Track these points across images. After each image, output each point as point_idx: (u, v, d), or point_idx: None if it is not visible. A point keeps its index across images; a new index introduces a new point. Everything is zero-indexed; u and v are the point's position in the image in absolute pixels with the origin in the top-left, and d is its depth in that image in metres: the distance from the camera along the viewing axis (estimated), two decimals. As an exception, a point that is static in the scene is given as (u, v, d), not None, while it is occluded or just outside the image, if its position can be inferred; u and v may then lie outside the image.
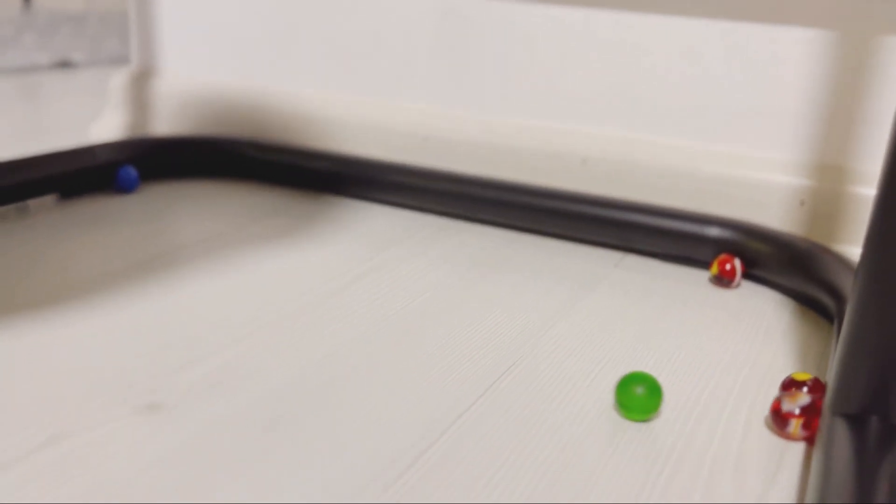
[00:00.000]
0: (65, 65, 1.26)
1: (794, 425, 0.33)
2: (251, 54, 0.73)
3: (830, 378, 0.32)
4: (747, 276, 0.51)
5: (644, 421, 0.34)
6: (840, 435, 0.28)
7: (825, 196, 0.52)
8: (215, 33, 0.74)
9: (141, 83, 0.78)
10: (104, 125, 0.80)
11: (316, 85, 0.70)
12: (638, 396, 0.34)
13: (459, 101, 0.64)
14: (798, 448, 0.33)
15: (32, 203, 0.59)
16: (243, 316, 0.43)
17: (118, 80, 0.79)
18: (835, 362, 0.31)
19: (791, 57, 0.52)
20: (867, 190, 0.51)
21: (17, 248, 0.51)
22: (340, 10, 0.67)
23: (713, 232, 0.51)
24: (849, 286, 0.42)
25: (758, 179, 0.54)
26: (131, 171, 0.62)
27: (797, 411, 0.33)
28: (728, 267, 0.49)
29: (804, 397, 0.33)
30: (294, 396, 0.35)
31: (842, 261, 0.45)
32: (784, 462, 0.32)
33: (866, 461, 0.27)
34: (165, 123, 0.77)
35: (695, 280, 0.51)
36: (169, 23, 0.76)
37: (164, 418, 0.33)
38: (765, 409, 0.36)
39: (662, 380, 0.38)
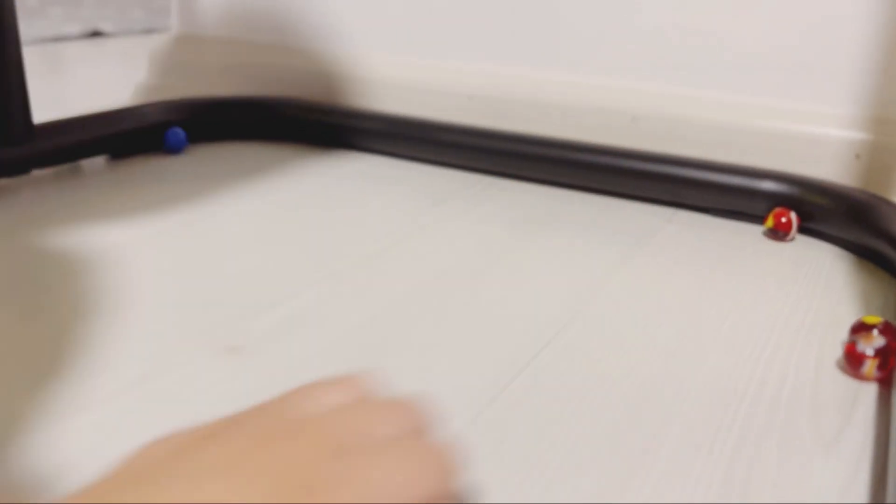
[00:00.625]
0: (95, 34, 1.26)
1: (869, 366, 0.33)
2: (292, 16, 0.73)
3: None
4: (803, 230, 0.51)
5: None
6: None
7: (880, 149, 0.51)
8: (256, -4, 0.74)
9: (181, 47, 0.78)
10: (144, 89, 0.80)
11: (360, 46, 0.70)
12: None
13: (505, 60, 0.64)
14: (871, 389, 0.33)
15: (84, 163, 0.60)
16: (312, 265, 0.44)
17: (158, 43, 0.79)
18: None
19: (846, 11, 0.52)
20: (924, 142, 0.50)
21: (89, 201, 0.51)
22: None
23: (767, 186, 0.51)
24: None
25: (812, 134, 0.53)
26: (179, 132, 0.63)
27: (871, 352, 0.33)
28: (784, 220, 0.49)
29: (878, 339, 0.33)
30: (369, 338, 0.36)
31: (902, 211, 0.45)
32: (858, 402, 0.33)
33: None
34: (205, 86, 0.77)
35: (749, 234, 0.51)
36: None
37: (244, 359, 0.34)
38: (833, 353, 0.36)
39: (726, 328, 0.39)
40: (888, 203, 0.46)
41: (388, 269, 0.44)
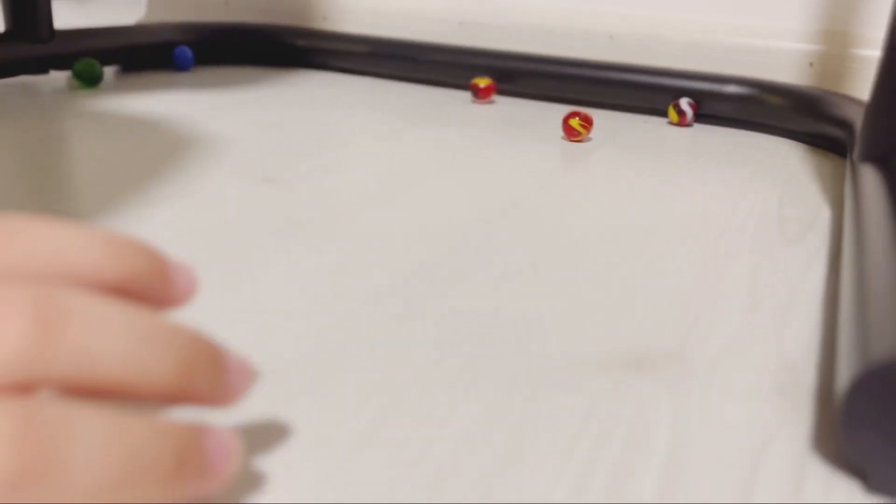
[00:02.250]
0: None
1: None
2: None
3: (858, 138, 0.38)
4: (763, 127, 0.57)
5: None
6: (868, 173, 0.34)
7: (830, 58, 0.58)
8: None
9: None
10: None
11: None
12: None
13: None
14: (826, 213, 0.39)
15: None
16: (322, 144, 0.48)
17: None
18: (862, 116, 0.37)
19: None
20: (870, 52, 0.57)
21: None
22: None
23: (732, 89, 0.57)
24: (858, 115, 0.48)
25: (771, 46, 0.60)
26: (187, 51, 0.67)
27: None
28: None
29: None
30: (378, 187, 0.41)
31: (848, 97, 0.51)
32: (818, 219, 0.38)
33: None
34: (200, 16, 0.81)
35: (719, 134, 0.57)
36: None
37: (277, 187, 0.38)
38: (792, 197, 0.42)
39: (706, 190, 0.44)
40: (834, 94, 0.53)
41: (383, 152, 0.48)
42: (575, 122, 0.51)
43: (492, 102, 0.62)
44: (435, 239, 0.33)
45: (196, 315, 0.25)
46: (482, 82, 0.60)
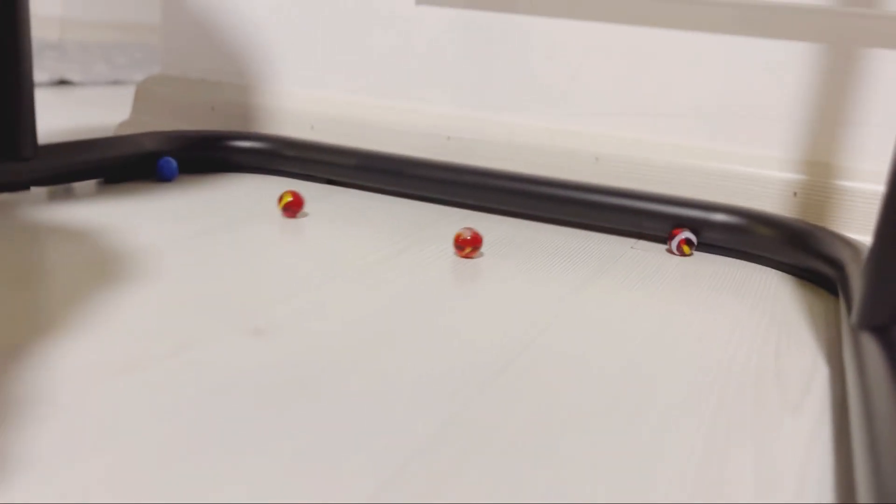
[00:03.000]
0: (63, 83, 1.28)
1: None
2: (268, 60, 0.77)
3: (854, 310, 0.38)
4: (750, 256, 0.57)
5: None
6: (870, 345, 0.34)
7: (815, 188, 0.59)
8: (225, 39, 0.78)
9: (167, 87, 0.81)
10: (129, 124, 0.83)
11: (341, 88, 0.75)
12: None
13: (480, 104, 0.70)
14: (824, 371, 0.39)
15: (77, 186, 0.62)
16: (316, 271, 0.47)
17: (145, 84, 0.83)
18: (860, 283, 0.36)
19: (785, 66, 0.59)
20: (852, 183, 0.58)
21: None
22: (360, 17, 0.73)
23: (719, 217, 0.57)
24: (847, 255, 0.48)
25: (756, 174, 0.60)
26: (171, 162, 0.66)
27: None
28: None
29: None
30: (375, 327, 0.40)
31: (836, 235, 0.51)
32: (815, 378, 0.38)
33: None
34: (187, 123, 0.81)
35: (705, 261, 0.57)
36: (196, 32, 0.80)
37: (268, 339, 0.37)
38: (788, 344, 0.42)
39: (692, 331, 0.44)
40: (823, 230, 0.53)
41: (383, 279, 0.47)
42: (461, 239, 0.52)
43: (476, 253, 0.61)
44: (437, 401, 0.32)
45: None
46: (464, 237, 0.52)
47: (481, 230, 0.59)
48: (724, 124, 0.62)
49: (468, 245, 0.52)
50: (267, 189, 0.67)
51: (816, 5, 0.56)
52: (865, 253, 0.48)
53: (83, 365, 0.33)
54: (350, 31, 0.74)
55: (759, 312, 0.47)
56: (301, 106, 0.76)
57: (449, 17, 0.70)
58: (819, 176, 0.59)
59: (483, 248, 0.55)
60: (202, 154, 0.70)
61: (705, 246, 0.58)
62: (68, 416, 0.29)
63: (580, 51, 0.65)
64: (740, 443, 0.31)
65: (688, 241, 0.57)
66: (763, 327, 0.44)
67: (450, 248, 0.54)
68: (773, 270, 0.55)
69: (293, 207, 0.58)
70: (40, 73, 1.29)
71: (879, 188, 0.57)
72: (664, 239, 0.60)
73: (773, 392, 0.36)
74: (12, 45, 0.52)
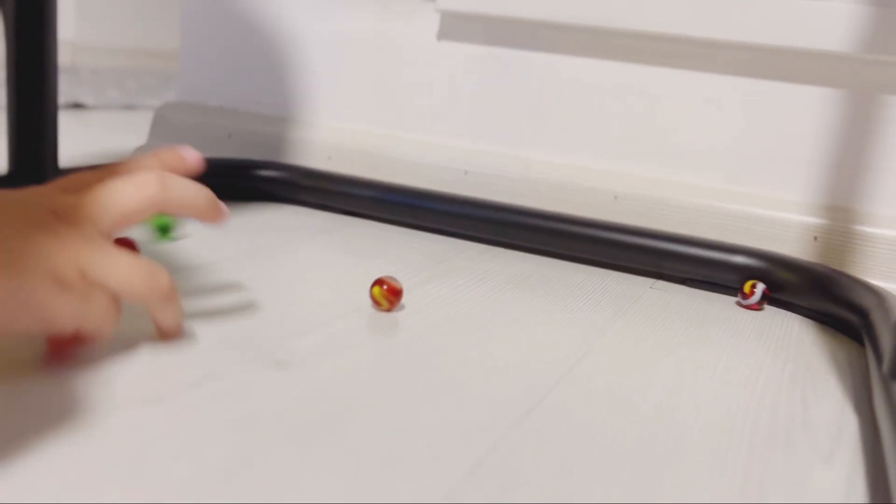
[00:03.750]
0: (77, 106, 1.29)
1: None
2: (287, 89, 0.78)
3: (886, 360, 0.37)
4: (772, 300, 0.56)
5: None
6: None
7: (835, 232, 0.58)
8: (245, 67, 0.79)
9: (185, 113, 0.82)
10: (146, 149, 0.83)
11: (360, 119, 0.75)
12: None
13: (499, 139, 0.70)
14: (853, 418, 0.38)
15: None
16: (337, 303, 0.47)
17: (164, 109, 0.83)
18: (890, 332, 0.36)
19: (806, 111, 0.60)
20: (873, 229, 0.57)
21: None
22: (382, 49, 0.73)
23: (739, 259, 0.57)
24: (871, 302, 0.48)
25: (776, 217, 0.60)
26: (189, 188, 0.66)
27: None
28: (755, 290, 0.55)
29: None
30: (397, 363, 0.39)
31: (860, 281, 0.51)
32: (844, 427, 0.37)
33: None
34: (203, 149, 0.81)
35: (724, 302, 0.56)
36: (215, 60, 0.81)
37: (290, 372, 0.36)
38: (815, 392, 0.41)
39: (716, 377, 0.43)
40: (846, 276, 0.53)
41: (396, 315, 0.47)
42: (377, 292, 0.45)
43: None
44: (464, 444, 0.31)
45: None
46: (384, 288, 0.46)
47: (499, 265, 0.59)
48: (744, 166, 0.62)
49: (393, 296, 0.46)
50: (284, 218, 0.67)
51: (837, 51, 0.56)
52: (889, 299, 0.47)
53: (106, 395, 0.32)
54: (371, 64, 0.74)
55: (782, 358, 0.46)
56: (318, 136, 0.76)
57: (470, 52, 0.70)
58: (840, 220, 0.59)
59: (502, 284, 0.54)
60: (220, 181, 0.70)
61: (725, 288, 0.58)
62: (92, 446, 0.28)
63: (600, 89, 0.66)
64: (774, 493, 0.31)
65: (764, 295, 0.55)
66: (788, 373, 0.44)
67: (467, 282, 0.54)
68: (794, 315, 0.55)
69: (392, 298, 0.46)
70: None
71: (900, 235, 0.57)
72: (683, 279, 0.59)
73: (803, 441, 0.35)
74: (39, 70, 0.53)
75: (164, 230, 0.56)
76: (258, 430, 0.31)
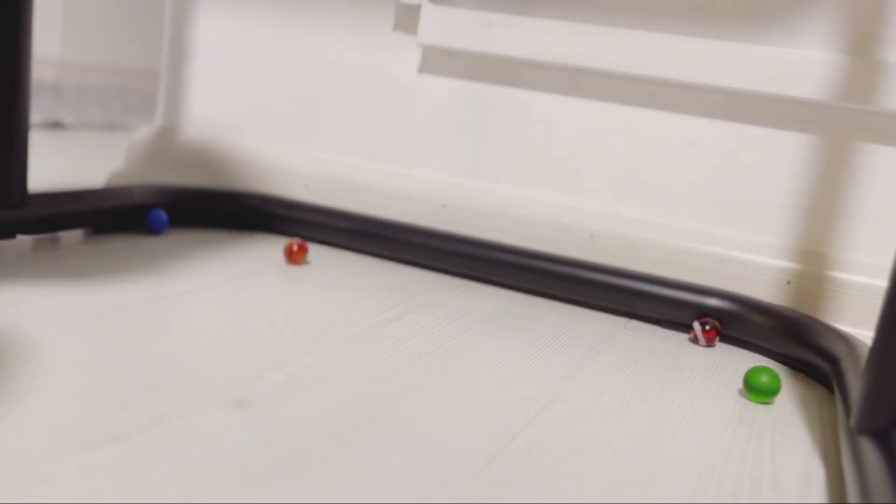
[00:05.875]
0: (56, 125, 1.28)
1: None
2: (266, 118, 0.78)
3: (853, 413, 0.37)
4: (742, 343, 0.56)
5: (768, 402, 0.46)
6: (870, 452, 0.33)
7: (808, 278, 0.59)
8: (225, 95, 0.79)
9: (163, 139, 0.81)
10: (121, 174, 0.82)
11: (338, 149, 0.75)
12: (763, 383, 0.46)
13: (477, 174, 0.70)
14: (820, 470, 0.38)
15: (63, 235, 0.61)
16: (305, 338, 0.46)
17: (141, 134, 0.82)
18: (859, 386, 0.36)
19: (780, 156, 0.60)
20: (845, 275, 0.58)
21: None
22: (362, 81, 0.73)
23: (713, 302, 0.57)
24: (841, 350, 0.48)
25: (750, 260, 0.60)
26: (162, 214, 0.65)
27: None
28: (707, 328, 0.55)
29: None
30: (363, 404, 0.38)
31: (831, 328, 0.51)
32: (811, 477, 0.37)
33: None
34: (179, 176, 0.80)
35: (698, 346, 0.56)
36: (196, 87, 0.80)
37: (251, 412, 0.36)
38: (782, 440, 0.41)
39: (685, 422, 0.43)
40: (818, 322, 0.53)
41: (376, 347, 0.46)
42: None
43: (308, 264, 0.62)
44: (428, 488, 0.31)
45: None
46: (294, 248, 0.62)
47: (473, 301, 0.59)
48: (718, 208, 0.62)
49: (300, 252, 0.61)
50: (256, 248, 0.66)
51: (811, 99, 0.57)
52: (860, 348, 0.47)
53: (55, 434, 0.31)
54: (351, 95, 0.74)
55: (752, 404, 0.46)
56: (296, 165, 0.76)
57: (450, 87, 0.70)
58: (813, 266, 0.59)
59: (475, 321, 0.54)
60: (193, 209, 0.69)
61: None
62: (36, 490, 0.27)
63: (579, 128, 0.66)
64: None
65: (716, 329, 0.56)
66: (758, 420, 0.43)
67: (439, 319, 0.53)
68: (765, 358, 0.55)
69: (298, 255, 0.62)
70: (34, 115, 1.29)
71: (872, 281, 0.57)
72: (656, 320, 0.59)
73: (770, 492, 0.35)
74: (10, 92, 0.52)
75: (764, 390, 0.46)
76: (213, 474, 0.30)
